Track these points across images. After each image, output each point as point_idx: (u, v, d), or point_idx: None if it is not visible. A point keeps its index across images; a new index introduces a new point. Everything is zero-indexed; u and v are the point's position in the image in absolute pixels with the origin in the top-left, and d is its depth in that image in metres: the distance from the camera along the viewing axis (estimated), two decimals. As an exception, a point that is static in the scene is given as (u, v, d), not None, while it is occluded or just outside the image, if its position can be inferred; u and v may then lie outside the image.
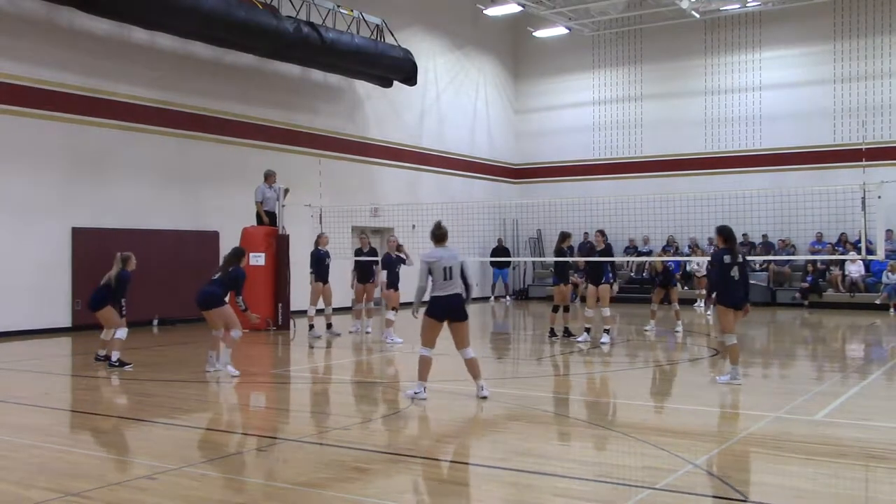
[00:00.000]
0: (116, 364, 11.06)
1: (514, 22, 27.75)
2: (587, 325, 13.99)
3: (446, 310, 8.65)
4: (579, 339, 13.79)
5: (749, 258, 22.02)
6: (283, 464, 6.31)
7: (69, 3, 15.10)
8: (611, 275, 13.92)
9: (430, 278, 8.72)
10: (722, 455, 6.34)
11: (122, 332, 11.15)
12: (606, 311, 13.78)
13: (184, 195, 17.87)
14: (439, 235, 8.95)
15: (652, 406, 8.83)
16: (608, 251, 14.27)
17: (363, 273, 15.36)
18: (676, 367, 11.50)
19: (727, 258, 9.62)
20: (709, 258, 13.88)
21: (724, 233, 9.81)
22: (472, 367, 8.74)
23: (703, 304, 20.55)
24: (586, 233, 25.75)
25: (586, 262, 14.39)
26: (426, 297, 8.83)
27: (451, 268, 8.65)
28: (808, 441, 6.87)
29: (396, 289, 14.38)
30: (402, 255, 14.81)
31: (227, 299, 10.80)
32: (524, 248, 27.65)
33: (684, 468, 5.96)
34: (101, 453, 6.56)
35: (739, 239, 23.69)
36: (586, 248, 15.30)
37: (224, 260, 11.18)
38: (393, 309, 14.28)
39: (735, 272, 9.58)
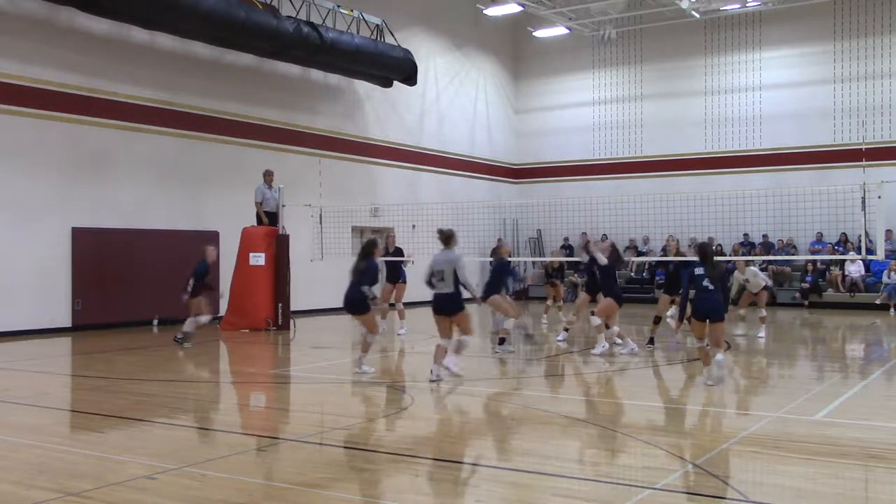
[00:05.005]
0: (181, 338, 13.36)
1: (514, 22, 27.75)
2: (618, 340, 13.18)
3: (435, 305, 9.74)
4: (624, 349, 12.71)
5: (748, 258, 22.18)
6: (282, 464, 6.32)
7: (69, 3, 15.10)
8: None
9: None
10: (722, 455, 6.33)
11: (205, 318, 13.59)
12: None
13: (184, 195, 17.87)
14: (442, 238, 9.92)
15: (652, 406, 8.82)
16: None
17: (391, 273, 15.52)
18: (676, 367, 11.50)
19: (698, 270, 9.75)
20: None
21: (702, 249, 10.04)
22: (451, 346, 9.68)
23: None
24: (584, 233, 25.81)
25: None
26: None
27: (441, 271, 9.57)
28: (808, 441, 6.87)
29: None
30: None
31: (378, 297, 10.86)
32: (524, 248, 27.65)
33: (684, 468, 5.96)
34: (101, 453, 6.56)
35: (739, 239, 23.83)
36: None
37: (358, 257, 10.92)
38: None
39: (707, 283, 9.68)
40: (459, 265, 9.57)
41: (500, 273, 13.19)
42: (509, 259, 13.66)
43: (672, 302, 13.84)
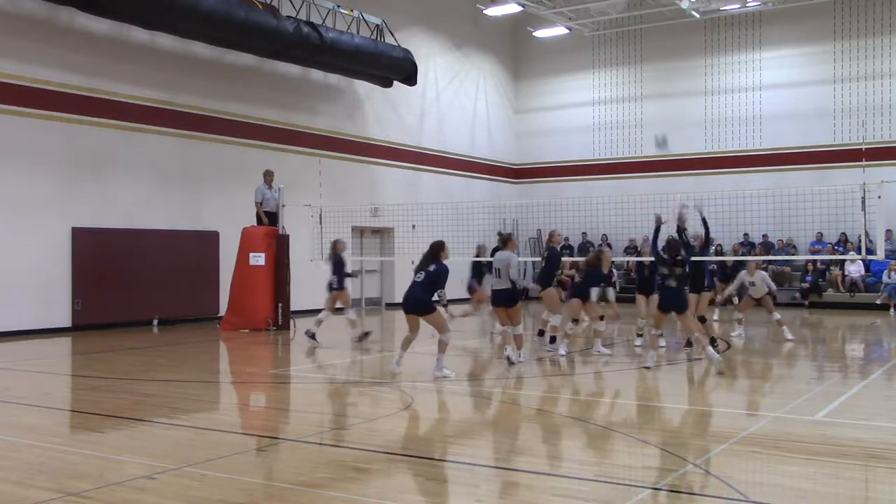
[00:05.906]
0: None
1: (514, 22, 27.75)
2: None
3: (494, 299, 11.31)
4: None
5: (742, 258, 22.13)
6: (282, 464, 6.32)
7: (69, 3, 15.10)
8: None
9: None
10: (722, 455, 6.34)
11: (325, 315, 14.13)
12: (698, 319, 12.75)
13: (184, 195, 17.87)
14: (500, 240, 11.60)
15: (652, 406, 8.83)
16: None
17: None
18: (676, 367, 11.50)
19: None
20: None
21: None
22: (515, 340, 11.11)
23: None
24: (584, 232, 25.82)
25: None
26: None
27: (499, 269, 11.09)
28: (808, 441, 6.87)
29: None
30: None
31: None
32: (524, 248, 27.62)
33: (684, 468, 5.96)
34: (101, 453, 6.56)
35: (740, 239, 23.81)
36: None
37: (422, 258, 10.45)
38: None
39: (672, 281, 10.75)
40: (511, 264, 10.98)
41: (553, 263, 13.36)
42: (560, 250, 13.69)
43: (712, 300, 14.42)
